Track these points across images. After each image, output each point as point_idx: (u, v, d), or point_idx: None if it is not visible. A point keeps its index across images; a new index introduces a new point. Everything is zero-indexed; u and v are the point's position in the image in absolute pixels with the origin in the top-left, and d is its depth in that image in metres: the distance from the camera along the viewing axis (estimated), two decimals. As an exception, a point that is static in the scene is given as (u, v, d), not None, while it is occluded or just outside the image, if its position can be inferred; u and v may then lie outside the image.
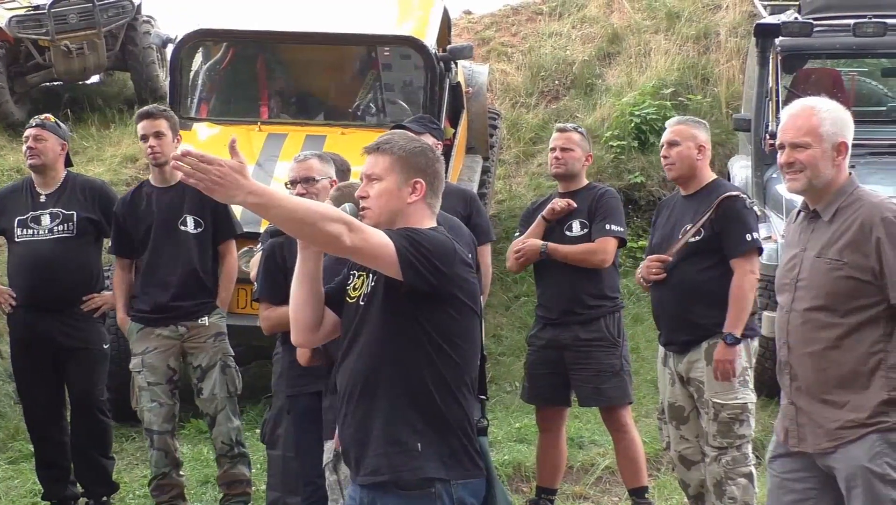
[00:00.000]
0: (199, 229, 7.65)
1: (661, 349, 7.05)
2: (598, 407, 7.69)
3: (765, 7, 12.88)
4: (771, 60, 10.85)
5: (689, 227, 6.77)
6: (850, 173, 4.90)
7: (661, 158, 7.01)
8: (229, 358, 7.71)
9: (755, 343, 6.92)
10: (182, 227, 7.63)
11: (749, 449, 6.80)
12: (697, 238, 6.75)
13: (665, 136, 6.96)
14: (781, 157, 4.91)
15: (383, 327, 4.32)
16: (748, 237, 6.69)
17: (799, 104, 4.98)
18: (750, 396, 6.78)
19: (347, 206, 4.51)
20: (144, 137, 7.61)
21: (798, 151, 4.84)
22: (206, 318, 7.65)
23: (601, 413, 7.73)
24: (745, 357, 6.73)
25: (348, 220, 4.12)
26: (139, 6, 16.17)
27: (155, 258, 7.61)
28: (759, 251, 6.79)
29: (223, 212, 7.68)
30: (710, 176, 6.96)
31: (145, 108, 7.95)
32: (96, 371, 7.95)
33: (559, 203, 7.50)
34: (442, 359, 4.29)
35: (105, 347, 8.00)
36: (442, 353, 4.29)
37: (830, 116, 4.86)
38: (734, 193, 6.84)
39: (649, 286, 6.94)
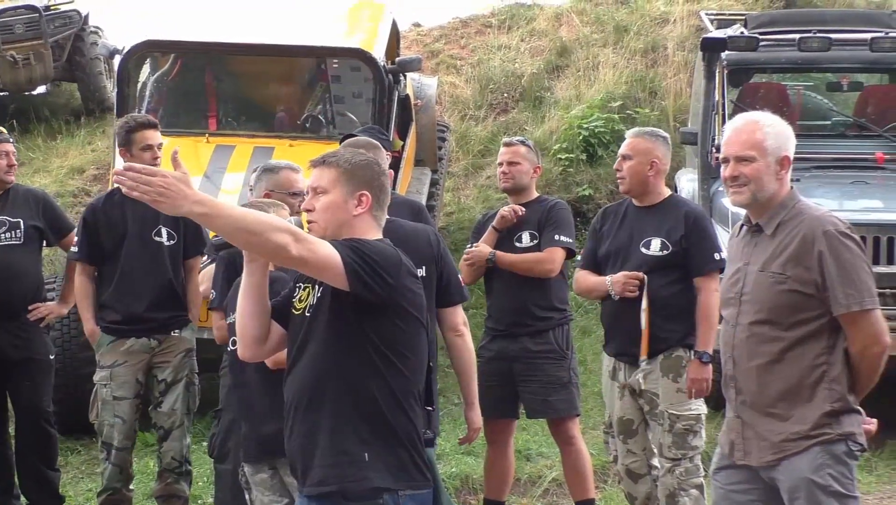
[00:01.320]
0: (173, 242, 7.59)
1: (609, 361, 7.06)
2: (546, 419, 7.71)
3: (711, 21, 12.94)
4: (717, 74, 10.91)
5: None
6: (792, 187, 4.95)
7: (616, 171, 7.04)
8: (195, 376, 7.67)
9: None
10: (156, 238, 7.56)
11: (699, 460, 6.85)
12: (665, 252, 6.79)
13: (621, 149, 6.99)
14: (726, 171, 4.95)
15: (329, 338, 4.34)
16: (716, 256, 6.76)
17: (742, 118, 5.02)
18: (703, 407, 6.85)
19: (293, 218, 4.53)
20: (149, 147, 7.49)
21: (743, 165, 4.88)
22: (179, 331, 7.60)
23: (549, 425, 7.74)
24: None
25: (294, 230, 4.13)
26: (86, 17, 16.10)
27: (128, 268, 7.53)
28: (722, 270, 6.82)
29: (195, 225, 7.63)
30: (667, 191, 6.99)
31: (144, 116, 7.86)
32: (42, 382, 7.88)
33: (505, 210, 7.52)
34: (388, 369, 4.31)
35: (51, 357, 7.94)
36: (388, 363, 4.31)
37: (774, 131, 4.91)
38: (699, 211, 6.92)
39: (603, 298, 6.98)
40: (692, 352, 6.73)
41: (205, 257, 7.23)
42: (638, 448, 6.98)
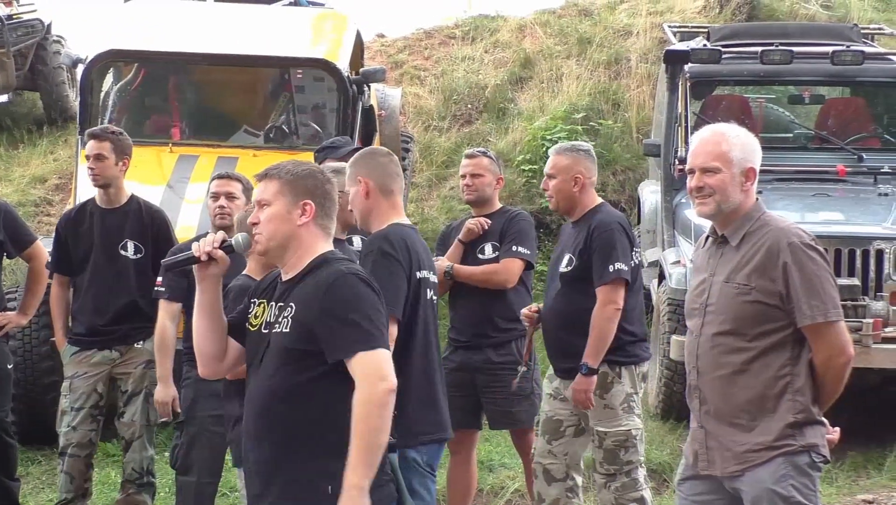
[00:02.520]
0: (139, 255, 7.58)
1: (551, 367, 7.08)
2: (509, 430, 7.72)
3: (674, 34, 13.01)
4: (680, 86, 10.97)
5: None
6: (758, 199, 4.97)
7: (543, 190, 7.07)
8: (154, 388, 7.65)
9: (643, 368, 6.94)
10: (122, 252, 7.57)
11: (639, 474, 6.82)
12: (570, 268, 6.81)
13: (546, 168, 7.01)
14: (691, 182, 4.97)
15: (287, 357, 4.32)
16: (611, 268, 6.68)
17: (709, 130, 5.05)
18: (635, 423, 6.81)
19: (240, 235, 4.54)
20: (87, 157, 7.54)
21: (708, 176, 4.91)
22: (142, 343, 7.59)
23: (511, 436, 7.76)
24: (628, 384, 6.79)
25: (373, 378, 4.21)
26: (49, 26, 16.03)
27: (93, 281, 7.54)
28: (624, 281, 6.74)
29: (165, 240, 7.61)
30: (593, 202, 6.96)
31: (94, 127, 7.91)
32: (0, 391, 7.84)
33: (471, 223, 7.54)
34: (349, 385, 4.24)
35: (9, 367, 7.89)
36: (349, 382, 4.25)
37: (740, 142, 4.93)
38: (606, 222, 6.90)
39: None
40: (619, 367, 6.75)
41: (159, 278, 7.19)
42: (560, 452, 6.94)
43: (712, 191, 4.90)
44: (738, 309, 4.82)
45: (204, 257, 4.46)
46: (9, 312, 7.89)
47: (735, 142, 4.92)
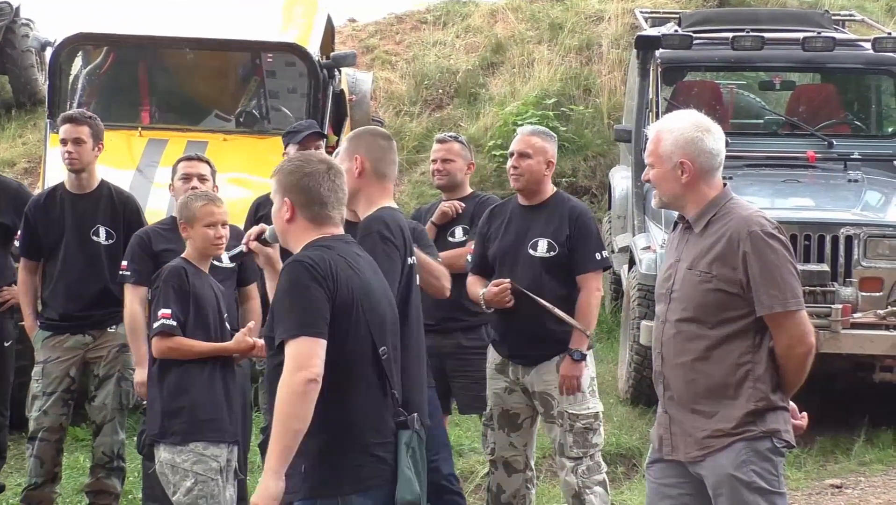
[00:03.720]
0: (111, 241, 7.56)
1: (496, 357, 7.04)
2: (478, 414, 7.71)
3: (646, 19, 13.04)
4: (651, 72, 10.98)
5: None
6: (726, 185, 4.97)
7: (510, 168, 6.99)
8: (128, 371, 7.62)
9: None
10: (94, 238, 7.55)
11: (600, 457, 6.91)
12: (553, 253, 6.82)
13: (516, 146, 6.95)
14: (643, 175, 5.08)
15: (268, 344, 4.51)
16: (598, 256, 6.81)
17: (654, 125, 5.11)
18: (599, 405, 6.90)
19: (270, 227, 4.84)
20: (63, 142, 7.51)
21: (650, 170, 4.99)
22: (116, 326, 7.56)
23: (481, 421, 7.74)
24: (592, 368, 6.87)
25: (293, 366, 4.26)
26: (18, 9, 15.93)
27: (65, 267, 7.53)
28: (606, 268, 6.94)
29: (137, 225, 7.58)
30: (552, 188, 7.02)
31: (70, 111, 7.94)
32: None
33: (445, 206, 7.54)
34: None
35: (6, 344, 7.92)
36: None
37: (672, 137, 4.93)
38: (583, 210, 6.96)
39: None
40: (575, 352, 6.76)
41: (123, 262, 7.14)
42: (520, 443, 7.01)
43: (654, 184, 4.98)
44: (700, 296, 4.83)
45: (245, 249, 5.00)
46: (14, 287, 7.89)
47: (667, 137, 4.94)
